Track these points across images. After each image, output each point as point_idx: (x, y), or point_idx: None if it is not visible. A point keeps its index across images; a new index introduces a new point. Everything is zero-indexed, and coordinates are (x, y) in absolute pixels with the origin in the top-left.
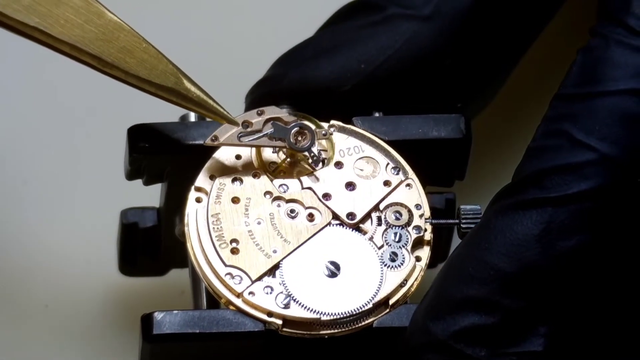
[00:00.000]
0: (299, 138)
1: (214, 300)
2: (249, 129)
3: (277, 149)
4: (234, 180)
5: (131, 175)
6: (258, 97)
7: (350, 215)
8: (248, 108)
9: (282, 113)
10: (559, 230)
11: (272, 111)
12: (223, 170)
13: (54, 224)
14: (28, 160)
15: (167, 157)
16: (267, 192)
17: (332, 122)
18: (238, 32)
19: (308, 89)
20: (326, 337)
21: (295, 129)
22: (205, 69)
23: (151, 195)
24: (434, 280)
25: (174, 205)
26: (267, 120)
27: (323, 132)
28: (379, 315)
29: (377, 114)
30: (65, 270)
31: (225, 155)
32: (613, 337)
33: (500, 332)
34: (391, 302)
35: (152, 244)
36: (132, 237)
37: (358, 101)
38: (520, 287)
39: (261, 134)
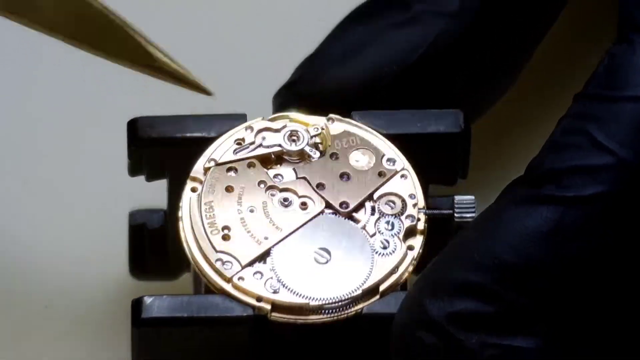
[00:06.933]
0: (293, 140)
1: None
2: (243, 145)
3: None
4: (228, 169)
5: (133, 169)
6: (290, 99)
7: (344, 204)
8: (277, 111)
9: (269, 123)
10: (569, 230)
11: (260, 124)
12: (218, 162)
13: (53, 224)
14: (28, 160)
15: (167, 150)
16: (261, 182)
17: (330, 115)
18: (248, 30)
19: (340, 91)
20: (315, 323)
21: (287, 133)
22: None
23: (154, 198)
24: (437, 257)
25: (177, 204)
26: (258, 132)
27: (315, 128)
28: (369, 302)
29: None
30: (66, 271)
31: (223, 145)
32: (612, 345)
33: (496, 322)
34: (381, 288)
35: (160, 245)
36: (141, 238)
37: (389, 99)
38: (521, 282)
39: (256, 145)
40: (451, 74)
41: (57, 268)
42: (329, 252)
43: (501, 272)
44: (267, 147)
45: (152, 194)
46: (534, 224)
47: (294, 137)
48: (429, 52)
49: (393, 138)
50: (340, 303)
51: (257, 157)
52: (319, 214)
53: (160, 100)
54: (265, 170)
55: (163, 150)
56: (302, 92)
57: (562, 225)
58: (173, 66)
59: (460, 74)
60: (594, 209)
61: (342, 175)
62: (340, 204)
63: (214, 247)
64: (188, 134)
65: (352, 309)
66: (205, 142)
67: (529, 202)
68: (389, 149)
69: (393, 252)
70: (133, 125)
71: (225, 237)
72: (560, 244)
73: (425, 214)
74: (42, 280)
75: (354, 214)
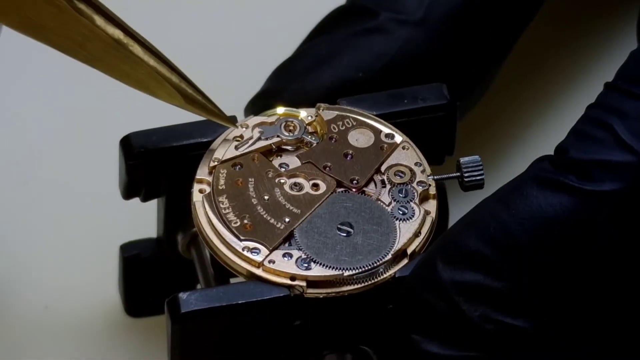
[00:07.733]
0: (290, 130)
1: None
2: (242, 141)
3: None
4: (233, 165)
5: (128, 190)
6: (258, 110)
7: (354, 180)
8: None
9: (264, 118)
10: (578, 225)
11: (254, 120)
12: (222, 160)
13: (54, 224)
14: (28, 160)
15: (164, 161)
16: (269, 172)
17: (319, 104)
18: (233, 34)
19: (308, 100)
20: (351, 293)
21: (283, 123)
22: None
23: (146, 221)
24: (458, 221)
25: (174, 223)
26: (254, 127)
27: (309, 117)
28: (400, 266)
29: None
30: (66, 271)
31: (222, 144)
32: (615, 344)
33: (500, 299)
34: (409, 251)
35: (156, 274)
36: (135, 271)
37: None
38: (527, 268)
39: (255, 139)
40: (421, 80)
41: (57, 268)
42: (351, 225)
43: (513, 251)
44: (267, 139)
45: (146, 210)
46: (551, 210)
47: (290, 127)
48: (395, 60)
49: (383, 118)
50: (373, 270)
51: (259, 149)
52: (332, 193)
53: (141, 117)
54: (269, 161)
55: (161, 162)
56: (271, 103)
57: (574, 218)
58: (202, 100)
59: (441, 75)
60: (604, 206)
61: (345, 155)
62: (351, 181)
63: (238, 237)
64: (184, 142)
65: (385, 275)
66: (202, 147)
67: (550, 186)
68: (385, 126)
69: (412, 216)
70: (127, 142)
71: (247, 227)
72: (567, 238)
73: (434, 179)
74: (42, 280)
75: (365, 189)
